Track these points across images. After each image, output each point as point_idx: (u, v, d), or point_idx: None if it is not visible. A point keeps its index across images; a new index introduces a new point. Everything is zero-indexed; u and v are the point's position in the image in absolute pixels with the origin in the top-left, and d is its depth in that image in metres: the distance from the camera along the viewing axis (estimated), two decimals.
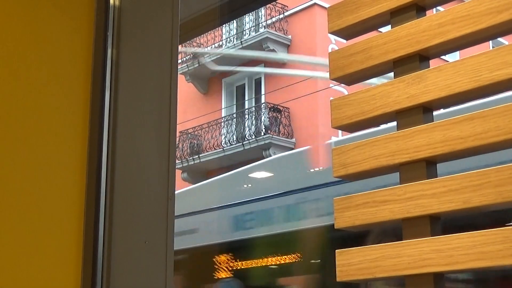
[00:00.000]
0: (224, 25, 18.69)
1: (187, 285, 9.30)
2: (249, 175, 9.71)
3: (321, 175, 8.17)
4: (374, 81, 1.99)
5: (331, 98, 1.73)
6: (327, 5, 16.02)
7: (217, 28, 18.24)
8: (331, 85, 16.63)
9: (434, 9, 1.77)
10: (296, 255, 8.41)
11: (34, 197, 1.18)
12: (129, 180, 1.25)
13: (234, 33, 19.73)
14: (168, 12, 1.36)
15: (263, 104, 18.34)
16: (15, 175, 1.17)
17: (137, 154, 1.27)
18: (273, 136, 17.66)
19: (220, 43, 19.92)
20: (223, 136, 19.01)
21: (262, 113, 18.18)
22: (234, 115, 19.35)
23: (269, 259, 8.70)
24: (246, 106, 19.71)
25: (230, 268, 8.97)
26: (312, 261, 8.37)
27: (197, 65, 19.83)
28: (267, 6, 18.57)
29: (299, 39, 18.58)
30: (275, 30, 18.59)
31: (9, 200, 1.15)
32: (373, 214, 1.56)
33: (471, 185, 1.42)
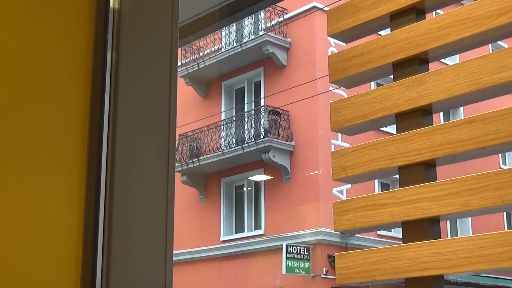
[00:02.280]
0: (224, 28, 18.69)
1: None
2: None
3: None
4: None
5: (331, 101, 1.73)
6: (327, 8, 16.04)
7: (216, 31, 18.25)
8: (330, 88, 16.65)
9: (434, 12, 1.77)
10: None
11: (33, 200, 1.18)
12: (129, 183, 1.25)
13: (234, 36, 19.73)
14: (167, 15, 1.36)
15: (263, 107, 18.36)
16: (13, 179, 1.17)
17: (137, 156, 1.27)
18: (273, 139, 17.66)
19: (220, 46, 19.93)
20: (222, 139, 19.02)
21: (262, 116, 18.19)
22: (234, 118, 19.36)
23: None
24: (246, 109, 19.72)
25: None
26: None
27: (196, 68, 19.84)
28: (267, 9, 18.57)
29: (299, 42, 18.59)
30: (275, 33, 18.60)
31: (7, 204, 1.15)
32: (372, 217, 1.56)
33: (471, 188, 1.42)
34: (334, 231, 1.64)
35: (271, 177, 18.31)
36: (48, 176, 1.19)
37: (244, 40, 18.99)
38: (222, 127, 19.32)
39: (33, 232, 1.16)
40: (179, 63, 17.52)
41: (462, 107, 17.97)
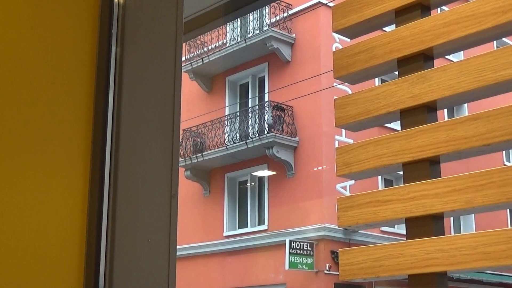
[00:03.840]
0: (229, 23, 18.68)
1: None
2: None
3: None
4: None
5: (335, 97, 1.73)
6: (331, 4, 16.01)
7: (221, 27, 18.24)
8: (334, 84, 16.63)
9: (439, 9, 1.77)
10: None
11: (37, 195, 1.18)
12: (132, 177, 1.25)
13: (238, 32, 19.72)
14: (172, 10, 1.36)
15: (267, 103, 18.35)
16: (17, 174, 1.17)
17: (141, 151, 1.27)
18: (277, 134, 17.66)
19: (224, 41, 19.92)
20: (226, 135, 19.02)
21: (266, 112, 18.19)
22: (238, 114, 19.36)
23: None
24: (250, 105, 19.71)
25: None
26: None
27: (201, 63, 19.84)
28: (272, 4, 18.55)
29: (303, 38, 18.57)
30: (279, 29, 18.58)
31: (11, 199, 1.16)
32: (376, 213, 1.56)
33: (474, 185, 1.42)
34: (338, 227, 1.64)
35: (275, 173, 18.31)
36: (52, 172, 1.19)
37: (249, 36, 18.98)
38: (226, 122, 19.32)
39: (37, 226, 1.16)
40: (183, 58, 17.48)
41: (466, 104, 17.95)
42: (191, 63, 20.00)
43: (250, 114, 18.85)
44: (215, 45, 20.05)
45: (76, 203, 1.20)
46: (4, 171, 1.15)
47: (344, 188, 17.25)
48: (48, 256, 1.17)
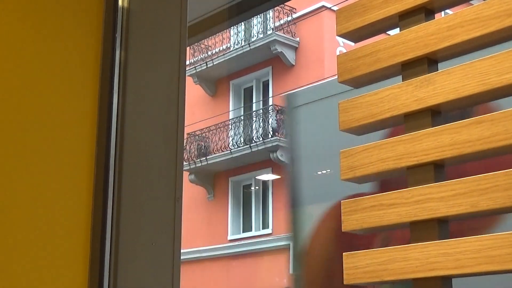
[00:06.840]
0: (232, 27, 18.70)
1: None
2: None
3: None
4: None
5: (339, 101, 1.73)
6: (335, 8, 16.03)
7: (225, 30, 18.26)
8: None
9: (443, 12, 1.77)
10: None
11: (42, 199, 1.18)
12: (137, 182, 1.25)
13: (242, 36, 19.73)
14: (176, 14, 1.36)
15: (271, 107, 18.34)
16: (23, 178, 1.17)
17: (145, 156, 1.27)
18: (281, 138, 17.64)
19: (228, 45, 19.94)
20: (230, 138, 19.01)
21: (270, 116, 18.18)
22: (242, 118, 19.35)
23: None
24: (254, 109, 19.71)
25: None
26: None
27: (205, 67, 19.86)
28: (275, 8, 18.56)
29: (307, 41, 18.57)
30: (283, 33, 18.58)
31: (17, 204, 1.16)
32: (380, 217, 1.56)
33: (479, 188, 1.41)
34: (342, 231, 1.64)
35: (279, 177, 18.30)
36: (56, 175, 1.19)
37: (253, 39, 18.99)
38: (230, 126, 19.31)
39: (42, 230, 1.16)
40: (187, 62, 17.53)
41: None
42: (195, 67, 20.01)
43: (254, 118, 18.84)
44: (219, 49, 20.06)
45: (81, 207, 1.21)
46: (10, 174, 1.15)
47: None
48: (52, 259, 1.17)
